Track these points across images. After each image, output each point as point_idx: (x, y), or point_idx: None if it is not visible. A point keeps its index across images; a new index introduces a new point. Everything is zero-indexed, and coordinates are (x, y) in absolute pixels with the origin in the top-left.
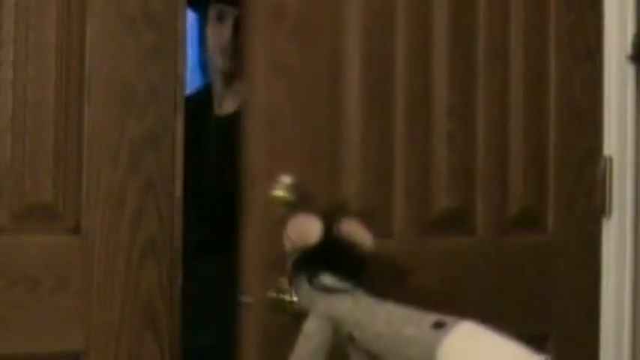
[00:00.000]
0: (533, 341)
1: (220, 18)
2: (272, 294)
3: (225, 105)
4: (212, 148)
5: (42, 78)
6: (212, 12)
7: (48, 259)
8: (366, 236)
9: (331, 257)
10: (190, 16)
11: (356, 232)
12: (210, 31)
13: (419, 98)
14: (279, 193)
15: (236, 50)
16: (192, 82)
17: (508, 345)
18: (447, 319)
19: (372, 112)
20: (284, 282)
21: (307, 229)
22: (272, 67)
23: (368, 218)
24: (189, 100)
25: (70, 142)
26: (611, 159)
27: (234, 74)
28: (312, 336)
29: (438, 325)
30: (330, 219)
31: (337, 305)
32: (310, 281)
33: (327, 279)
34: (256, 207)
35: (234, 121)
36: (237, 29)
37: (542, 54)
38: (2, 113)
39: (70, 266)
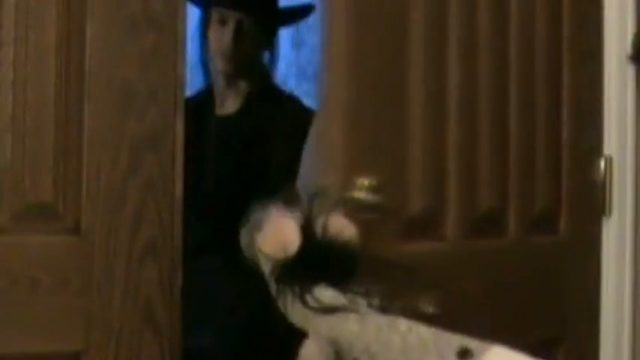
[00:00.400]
0: (546, 346)
1: (222, 21)
2: None
3: (227, 105)
4: (213, 149)
5: (42, 78)
6: (214, 15)
7: (48, 259)
8: (353, 232)
9: (320, 265)
10: (192, 16)
11: (342, 229)
12: (212, 34)
13: (468, 100)
14: (360, 195)
15: (237, 54)
16: (192, 82)
17: None
18: (472, 344)
19: (430, 114)
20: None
21: (284, 237)
22: (352, 65)
23: (426, 222)
24: (190, 101)
25: (70, 142)
26: (611, 159)
27: (235, 75)
28: None
29: (464, 354)
30: (308, 217)
31: (340, 328)
32: (302, 299)
33: (323, 293)
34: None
35: (235, 121)
36: (239, 33)
37: (542, 54)
38: (2, 113)
39: (70, 266)
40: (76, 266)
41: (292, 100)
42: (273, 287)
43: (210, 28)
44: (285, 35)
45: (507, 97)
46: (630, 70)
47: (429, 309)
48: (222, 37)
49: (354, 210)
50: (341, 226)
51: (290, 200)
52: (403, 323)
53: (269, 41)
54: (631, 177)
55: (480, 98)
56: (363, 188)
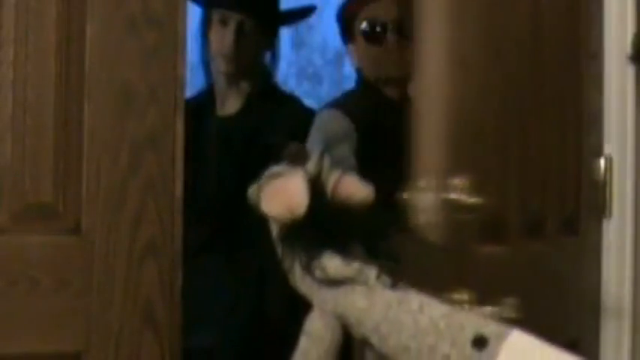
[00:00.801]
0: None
1: (223, 22)
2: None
3: (228, 106)
4: (214, 149)
5: (42, 78)
6: (215, 16)
7: (48, 259)
8: (367, 192)
9: (328, 229)
10: (193, 16)
11: (354, 190)
12: (213, 34)
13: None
14: (460, 197)
15: (238, 54)
16: (193, 82)
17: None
18: (487, 329)
19: (509, 112)
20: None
21: (291, 198)
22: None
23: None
24: (191, 101)
25: (70, 142)
26: (611, 159)
27: (236, 76)
28: (321, 337)
29: (480, 343)
30: (317, 176)
31: (347, 303)
32: (307, 267)
33: (329, 261)
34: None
35: (236, 121)
36: (240, 34)
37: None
38: (2, 113)
39: (70, 266)
40: (76, 266)
41: (293, 101)
42: (279, 252)
43: (211, 29)
44: (285, 35)
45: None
46: (630, 70)
47: (512, 314)
48: (223, 38)
49: (453, 212)
50: (353, 188)
51: (297, 157)
52: (414, 300)
53: (270, 42)
54: (631, 177)
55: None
56: (460, 189)
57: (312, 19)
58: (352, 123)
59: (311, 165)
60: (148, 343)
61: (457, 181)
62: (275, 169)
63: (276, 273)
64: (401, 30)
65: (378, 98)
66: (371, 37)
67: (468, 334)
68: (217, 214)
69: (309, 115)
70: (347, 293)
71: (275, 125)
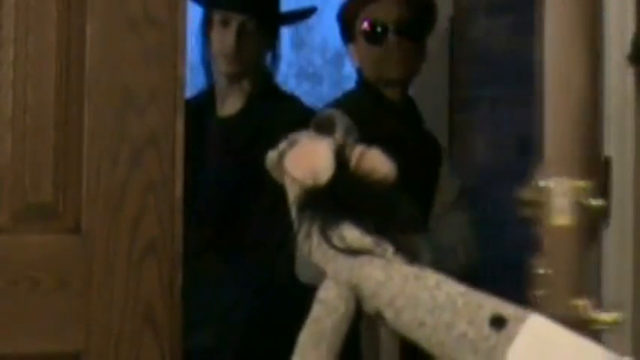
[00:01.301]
0: None
1: (225, 23)
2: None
3: (228, 106)
4: (214, 149)
5: (42, 78)
6: (216, 16)
7: (48, 259)
8: (390, 168)
9: (349, 200)
10: (194, 16)
11: (378, 164)
12: (214, 35)
13: None
14: (588, 199)
15: (240, 55)
16: (193, 82)
17: (590, 349)
18: (506, 310)
19: None
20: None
21: (317, 163)
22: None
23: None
24: (191, 101)
25: (70, 142)
26: (610, 159)
27: (237, 76)
28: (335, 306)
29: (498, 323)
30: (341, 147)
31: (363, 274)
32: (325, 234)
33: (348, 231)
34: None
35: (236, 122)
36: (241, 35)
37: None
38: (2, 113)
39: (70, 266)
40: (76, 266)
41: (293, 101)
42: (294, 217)
43: (212, 29)
44: (285, 35)
45: None
46: (630, 70)
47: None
48: (224, 39)
49: (582, 216)
50: (377, 162)
51: (325, 126)
52: (431, 277)
53: (271, 42)
54: (631, 177)
55: None
56: (586, 192)
57: (312, 19)
58: (352, 123)
59: (338, 135)
60: (148, 343)
61: (584, 183)
62: (300, 134)
63: (275, 273)
64: (402, 31)
65: (378, 98)
66: (372, 37)
67: (486, 314)
68: (217, 215)
69: (309, 115)
70: (363, 264)
71: (275, 126)
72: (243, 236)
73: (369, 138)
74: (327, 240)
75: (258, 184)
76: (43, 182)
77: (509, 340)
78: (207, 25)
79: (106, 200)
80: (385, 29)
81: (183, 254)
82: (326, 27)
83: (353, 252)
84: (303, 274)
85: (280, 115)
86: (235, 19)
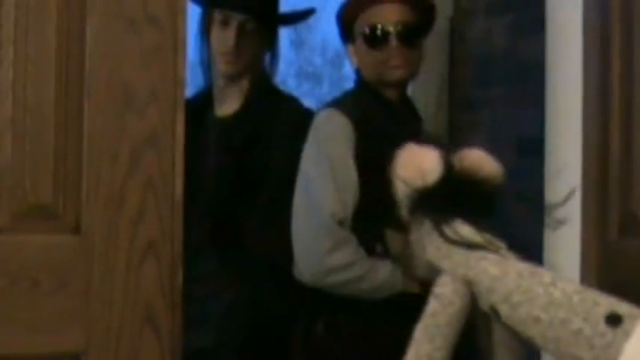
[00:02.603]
0: None
1: (224, 23)
2: None
3: (227, 106)
4: (212, 149)
5: (42, 78)
6: (216, 16)
7: (48, 259)
8: (495, 167)
9: (458, 198)
10: (193, 16)
11: (482, 163)
12: (213, 35)
13: None
14: None
15: (239, 55)
16: (193, 82)
17: None
18: (622, 308)
19: None
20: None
21: (424, 164)
22: None
23: None
24: (190, 102)
25: (70, 142)
26: None
27: (236, 76)
28: (452, 301)
29: (613, 320)
30: (446, 149)
31: (479, 270)
32: (440, 230)
33: (462, 228)
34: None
35: (234, 122)
36: (241, 35)
37: None
38: (2, 113)
39: (70, 266)
40: (76, 266)
41: (291, 101)
42: (406, 219)
43: (212, 29)
44: (285, 35)
45: None
46: None
47: None
48: (224, 39)
49: None
50: (480, 161)
51: (429, 141)
52: (546, 274)
53: (270, 43)
54: None
55: None
56: None
57: (312, 19)
58: (351, 123)
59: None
60: (148, 343)
61: None
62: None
63: (274, 273)
64: (402, 35)
65: (377, 99)
66: (372, 41)
67: (602, 311)
68: (216, 215)
69: (307, 115)
70: (479, 259)
71: (273, 126)
72: (240, 236)
73: (367, 138)
74: (444, 234)
75: (255, 185)
76: (43, 183)
77: (626, 336)
78: (207, 24)
79: (106, 200)
80: (386, 34)
81: (183, 254)
82: (326, 27)
83: (468, 246)
84: (302, 274)
85: (278, 115)
86: (235, 19)
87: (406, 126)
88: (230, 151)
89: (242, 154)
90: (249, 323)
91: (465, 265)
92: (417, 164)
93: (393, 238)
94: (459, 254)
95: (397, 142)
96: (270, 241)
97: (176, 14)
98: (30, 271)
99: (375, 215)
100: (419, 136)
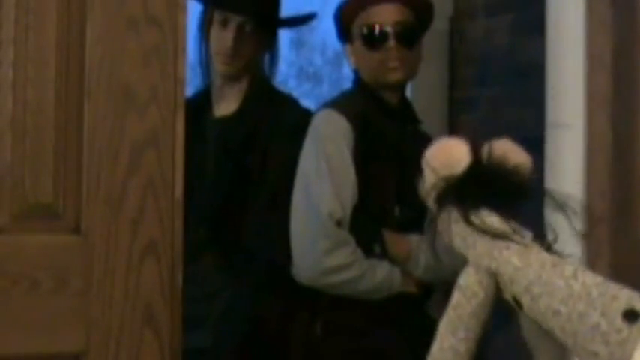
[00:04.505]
0: None
1: (224, 23)
2: None
3: (225, 107)
4: (211, 150)
5: (42, 78)
6: (216, 16)
7: (48, 259)
8: (523, 158)
9: (485, 188)
10: (193, 16)
11: (510, 153)
12: (213, 35)
13: None
14: None
15: (237, 56)
16: (193, 82)
17: None
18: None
19: None
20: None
21: (453, 154)
22: None
23: None
24: (188, 102)
25: (70, 142)
26: None
27: (234, 77)
28: (475, 292)
29: (631, 316)
30: (475, 140)
31: (502, 260)
32: (467, 218)
33: (489, 217)
34: None
35: (233, 122)
36: (240, 36)
37: None
38: (2, 113)
39: (70, 266)
40: (76, 266)
41: (290, 102)
42: (434, 211)
43: (211, 29)
44: (285, 35)
45: None
46: None
47: None
48: (223, 39)
49: None
50: (510, 152)
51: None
52: (568, 266)
53: (269, 44)
54: None
55: None
56: None
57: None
58: (349, 123)
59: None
60: (148, 343)
61: None
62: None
63: (272, 273)
64: (400, 36)
65: (375, 99)
66: (370, 43)
67: (620, 306)
68: (214, 215)
69: (306, 115)
70: (502, 249)
71: (271, 127)
72: (239, 236)
73: (366, 138)
74: (470, 223)
75: (253, 185)
76: (43, 183)
77: None
78: (206, 25)
79: (106, 200)
80: (384, 35)
81: (183, 254)
82: (326, 27)
83: (494, 235)
84: (300, 274)
85: (277, 115)
86: (234, 20)
87: (404, 126)
88: (228, 152)
89: (240, 155)
90: (247, 323)
91: (488, 256)
92: (447, 154)
93: (391, 238)
94: (484, 244)
95: (395, 143)
96: (268, 242)
97: (176, 14)
98: (30, 271)
99: (373, 216)
100: (417, 138)
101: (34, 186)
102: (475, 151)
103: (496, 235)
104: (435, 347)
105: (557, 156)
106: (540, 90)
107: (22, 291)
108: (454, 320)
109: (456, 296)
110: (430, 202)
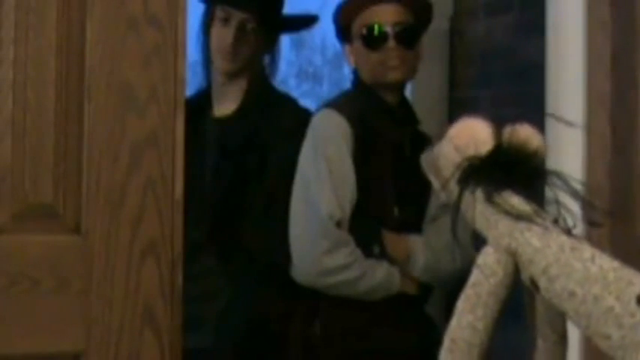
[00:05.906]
0: None
1: (225, 20)
2: None
3: (225, 106)
4: (210, 150)
5: (42, 78)
6: (218, 13)
7: (48, 259)
8: (543, 143)
9: (508, 170)
10: (193, 15)
11: (531, 137)
12: (214, 32)
13: None
14: None
15: (237, 53)
16: (193, 82)
17: None
18: None
19: None
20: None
21: (478, 135)
22: None
23: None
24: (188, 102)
25: (70, 142)
26: None
27: (234, 75)
28: (494, 271)
29: None
30: (497, 123)
31: (522, 241)
32: (490, 198)
33: (512, 198)
34: None
35: (232, 122)
36: (241, 33)
37: None
38: (2, 113)
39: (70, 266)
40: (76, 266)
41: (289, 102)
42: (453, 190)
43: (213, 26)
44: (285, 35)
45: None
46: None
47: None
48: (224, 36)
49: None
50: (528, 135)
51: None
52: (587, 249)
53: (270, 44)
54: None
55: None
56: None
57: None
58: (348, 123)
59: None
60: (148, 343)
61: None
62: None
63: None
64: (400, 37)
65: (374, 99)
66: (369, 43)
67: (635, 290)
68: (213, 215)
69: (305, 115)
70: (523, 230)
71: (271, 127)
72: (238, 236)
73: (365, 138)
74: (493, 202)
75: (253, 185)
76: (43, 182)
77: None
78: (208, 22)
79: (106, 200)
80: (383, 35)
81: (183, 254)
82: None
83: (517, 215)
84: (299, 275)
85: (276, 115)
86: (236, 18)
87: (403, 127)
88: (228, 152)
89: (240, 155)
90: (246, 324)
91: (509, 236)
92: (471, 133)
93: (390, 239)
94: (505, 225)
95: (394, 143)
96: (267, 242)
97: (176, 14)
98: (30, 271)
99: (372, 216)
100: (416, 138)
101: (34, 186)
102: (497, 133)
103: (519, 216)
104: (453, 324)
105: (557, 156)
106: (540, 90)
107: (22, 291)
108: (472, 298)
109: (475, 274)
110: (451, 182)
